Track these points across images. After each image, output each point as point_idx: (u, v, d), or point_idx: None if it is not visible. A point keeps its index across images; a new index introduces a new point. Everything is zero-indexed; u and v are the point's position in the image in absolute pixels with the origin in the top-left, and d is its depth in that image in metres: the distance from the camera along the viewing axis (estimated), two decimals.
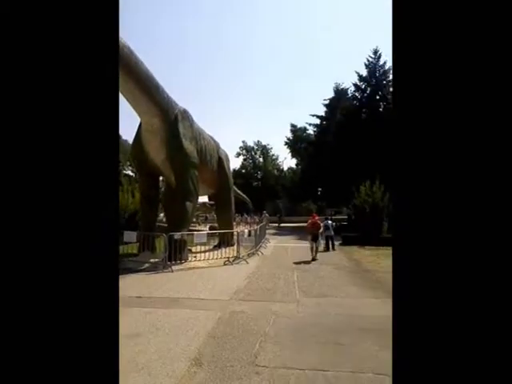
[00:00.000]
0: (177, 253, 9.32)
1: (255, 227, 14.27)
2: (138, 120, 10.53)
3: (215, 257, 10.37)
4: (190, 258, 10.13)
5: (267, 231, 19.23)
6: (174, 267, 8.94)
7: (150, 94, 9.19)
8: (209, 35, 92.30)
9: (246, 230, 12.52)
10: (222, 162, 13.86)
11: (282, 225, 34.89)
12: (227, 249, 11.25)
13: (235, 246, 11.04)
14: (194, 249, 11.50)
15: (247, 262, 10.22)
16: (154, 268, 9.03)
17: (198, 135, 11.56)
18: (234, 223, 18.16)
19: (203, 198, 22.91)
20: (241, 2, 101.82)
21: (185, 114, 10.92)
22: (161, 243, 9.85)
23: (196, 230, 21.67)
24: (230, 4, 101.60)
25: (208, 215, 30.61)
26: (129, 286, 7.11)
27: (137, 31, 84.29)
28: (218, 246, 12.58)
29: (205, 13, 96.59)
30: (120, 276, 7.99)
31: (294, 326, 4.69)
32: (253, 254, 11.95)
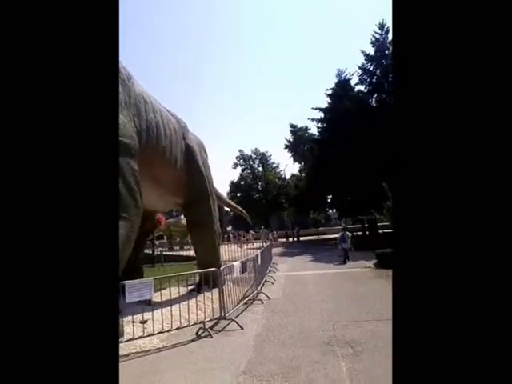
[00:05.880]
0: None
1: (254, 252, 9.37)
2: None
3: (183, 317, 5.33)
4: (130, 329, 4.87)
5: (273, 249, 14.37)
6: None
7: None
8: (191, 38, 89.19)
9: (237, 264, 6.82)
10: (192, 153, 8.49)
11: (285, 239, 30.53)
12: (209, 294, 6.34)
13: (218, 295, 5.77)
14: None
15: (241, 327, 5.34)
16: None
17: (141, 103, 6.28)
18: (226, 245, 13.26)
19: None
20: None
21: None
22: None
23: (179, 258, 15.00)
24: (218, 4, 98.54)
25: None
26: None
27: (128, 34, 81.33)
28: (196, 289, 7.57)
29: (194, 18, 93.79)
30: None
31: None
32: (252, 300, 7.10)
